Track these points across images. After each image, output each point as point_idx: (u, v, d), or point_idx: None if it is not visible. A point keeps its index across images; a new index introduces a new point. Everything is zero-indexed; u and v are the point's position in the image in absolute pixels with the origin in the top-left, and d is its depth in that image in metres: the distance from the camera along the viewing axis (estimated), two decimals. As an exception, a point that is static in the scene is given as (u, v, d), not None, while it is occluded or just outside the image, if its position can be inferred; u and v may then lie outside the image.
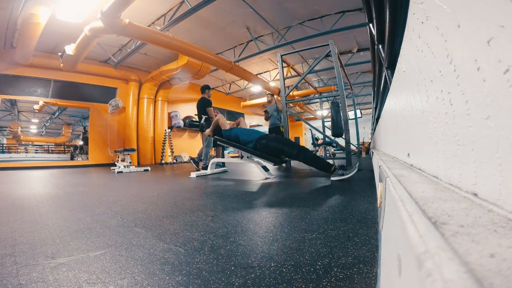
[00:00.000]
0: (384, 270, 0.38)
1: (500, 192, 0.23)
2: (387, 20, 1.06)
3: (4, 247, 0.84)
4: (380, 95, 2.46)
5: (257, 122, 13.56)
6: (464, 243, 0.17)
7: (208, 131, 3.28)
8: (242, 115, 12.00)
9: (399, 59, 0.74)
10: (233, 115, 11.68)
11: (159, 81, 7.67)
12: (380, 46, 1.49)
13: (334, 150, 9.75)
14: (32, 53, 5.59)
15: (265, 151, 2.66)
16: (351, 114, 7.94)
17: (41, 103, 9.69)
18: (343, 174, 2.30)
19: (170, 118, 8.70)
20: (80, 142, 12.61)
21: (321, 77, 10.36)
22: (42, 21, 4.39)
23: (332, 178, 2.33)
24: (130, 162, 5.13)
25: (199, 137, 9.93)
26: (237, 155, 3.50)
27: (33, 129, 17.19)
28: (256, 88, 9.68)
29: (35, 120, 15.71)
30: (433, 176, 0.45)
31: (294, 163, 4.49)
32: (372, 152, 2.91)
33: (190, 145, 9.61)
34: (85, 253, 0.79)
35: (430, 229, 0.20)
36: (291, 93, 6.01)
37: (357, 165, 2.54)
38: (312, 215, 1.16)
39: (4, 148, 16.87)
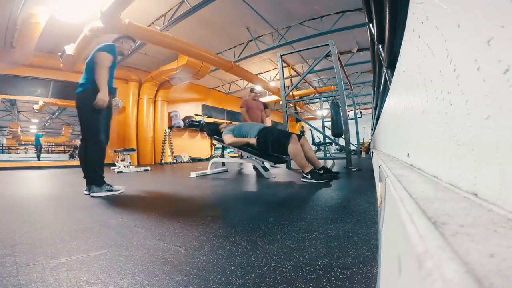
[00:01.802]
0: (384, 270, 0.38)
1: (500, 192, 0.23)
2: (387, 20, 1.06)
3: (4, 247, 0.84)
4: (380, 95, 2.46)
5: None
6: (464, 243, 0.17)
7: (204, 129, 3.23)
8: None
9: (399, 59, 0.74)
10: (233, 115, 11.69)
11: (159, 81, 7.67)
12: (380, 46, 1.49)
13: (334, 150, 9.75)
14: (32, 53, 5.59)
15: (265, 149, 2.62)
16: (351, 114, 7.94)
17: (41, 103, 9.69)
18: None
19: (170, 118, 8.70)
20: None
21: (321, 77, 10.36)
22: (41, 21, 4.39)
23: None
24: (130, 162, 5.13)
25: (199, 137, 9.97)
26: (237, 155, 3.50)
27: (33, 129, 17.20)
28: (256, 88, 9.68)
29: (35, 120, 15.73)
30: (433, 176, 0.45)
31: (294, 164, 4.49)
32: (372, 152, 2.91)
33: (190, 145, 9.61)
34: (85, 253, 0.79)
35: (430, 229, 0.20)
36: (291, 93, 6.01)
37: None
38: (312, 215, 1.16)
39: (4, 148, 16.87)
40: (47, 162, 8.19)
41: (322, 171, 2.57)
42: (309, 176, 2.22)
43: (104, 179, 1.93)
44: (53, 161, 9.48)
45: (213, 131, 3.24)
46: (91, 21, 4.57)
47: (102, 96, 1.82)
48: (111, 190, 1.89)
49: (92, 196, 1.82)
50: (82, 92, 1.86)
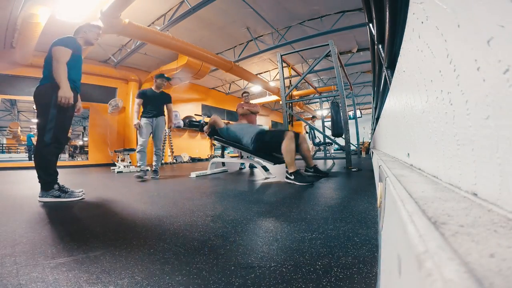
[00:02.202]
0: (384, 270, 0.38)
1: (500, 192, 0.23)
2: (387, 20, 1.06)
3: (4, 247, 0.84)
4: (380, 95, 2.46)
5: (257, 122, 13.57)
6: (464, 243, 0.17)
7: (205, 128, 3.29)
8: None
9: (399, 59, 0.74)
10: (233, 115, 11.69)
11: (159, 81, 7.67)
12: (380, 46, 1.49)
13: (334, 150, 9.73)
14: (32, 53, 5.59)
15: (262, 149, 2.64)
16: (351, 114, 7.93)
17: (41, 103, 9.65)
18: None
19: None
20: (80, 142, 12.57)
21: (321, 77, 10.36)
22: (41, 21, 4.39)
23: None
24: (130, 162, 5.13)
25: (199, 137, 9.96)
26: (237, 155, 3.51)
27: (33, 129, 17.19)
28: (256, 88, 9.69)
29: (35, 120, 15.71)
30: (433, 176, 0.45)
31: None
32: (372, 152, 2.91)
33: (190, 145, 9.61)
34: (85, 253, 0.79)
35: (430, 229, 0.20)
36: (290, 93, 6.01)
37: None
38: (312, 215, 1.16)
39: (4, 148, 16.88)
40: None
41: (312, 170, 2.64)
42: (292, 177, 2.22)
43: (54, 184, 1.75)
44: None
45: (213, 131, 3.24)
46: (91, 21, 4.57)
47: (63, 93, 1.69)
48: (59, 196, 1.71)
49: (39, 201, 1.68)
50: (38, 88, 1.76)
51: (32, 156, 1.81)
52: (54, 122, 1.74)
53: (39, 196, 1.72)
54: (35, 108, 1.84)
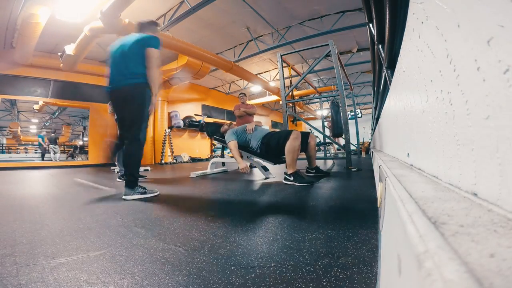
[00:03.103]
0: (384, 270, 0.38)
1: (500, 192, 0.23)
2: (387, 20, 1.06)
3: (4, 247, 0.84)
4: (380, 95, 2.46)
5: (257, 122, 13.53)
6: (464, 243, 0.17)
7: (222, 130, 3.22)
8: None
9: (399, 59, 0.74)
10: (233, 115, 11.71)
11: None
12: (380, 46, 1.49)
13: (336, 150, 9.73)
14: (32, 53, 5.59)
15: (269, 152, 2.60)
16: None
17: (41, 103, 9.67)
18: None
19: (170, 118, 8.70)
20: (80, 142, 12.52)
21: (321, 77, 10.36)
22: (41, 21, 4.39)
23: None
24: (130, 162, 5.12)
25: (199, 137, 9.97)
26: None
27: (33, 129, 17.20)
28: (256, 88, 9.70)
29: (35, 120, 15.72)
30: (433, 176, 0.45)
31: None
32: (372, 152, 2.91)
33: (190, 145, 9.61)
34: (85, 253, 0.79)
35: (430, 229, 0.20)
36: (291, 93, 6.00)
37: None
38: (312, 215, 1.16)
39: (4, 148, 16.89)
40: (47, 162, 8.22)
41: (314, 171, 2.66)
42: (292, 179, 2.18)
43: (138, 181, 1.83)
44: (53, 161, 9.49)
45: (214, 131, 3.24)
46: (91, 21, 4.58)
47: (155, 101, 1.82)
48: (145, 192, 1.78)
49: (125, 199, 1.69)
50: (138, 85, 1.77)
51: (124, 154, 1.87)
52: (147, 123, 1.84)
53: (125, 195, 1.72)
54: (124, 103, 1.79)
